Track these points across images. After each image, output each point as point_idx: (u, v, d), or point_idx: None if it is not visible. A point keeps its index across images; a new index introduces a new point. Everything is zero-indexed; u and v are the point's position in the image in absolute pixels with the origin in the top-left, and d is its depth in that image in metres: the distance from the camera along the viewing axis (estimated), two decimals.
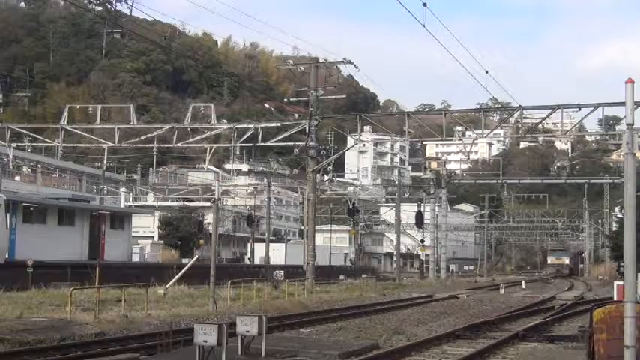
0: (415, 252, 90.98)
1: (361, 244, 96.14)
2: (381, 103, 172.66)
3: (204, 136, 46.70)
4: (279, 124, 46.43)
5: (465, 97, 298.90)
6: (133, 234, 52.26)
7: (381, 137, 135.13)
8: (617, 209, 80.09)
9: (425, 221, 66.76)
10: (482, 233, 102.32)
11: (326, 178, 65.19)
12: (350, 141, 68.40)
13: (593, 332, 10.45)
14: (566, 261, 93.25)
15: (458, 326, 19.61)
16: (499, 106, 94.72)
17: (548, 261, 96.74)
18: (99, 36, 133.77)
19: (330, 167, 49.06)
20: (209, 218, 60.11)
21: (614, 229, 72.85)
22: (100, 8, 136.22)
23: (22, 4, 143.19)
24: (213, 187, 71.13)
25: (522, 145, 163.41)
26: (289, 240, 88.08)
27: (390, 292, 39.22)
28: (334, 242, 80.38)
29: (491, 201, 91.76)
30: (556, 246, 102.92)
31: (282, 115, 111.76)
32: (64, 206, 42.55)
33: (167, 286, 30.01)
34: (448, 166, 79.60)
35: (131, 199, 78.13)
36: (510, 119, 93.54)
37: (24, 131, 52.40)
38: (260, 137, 43.17)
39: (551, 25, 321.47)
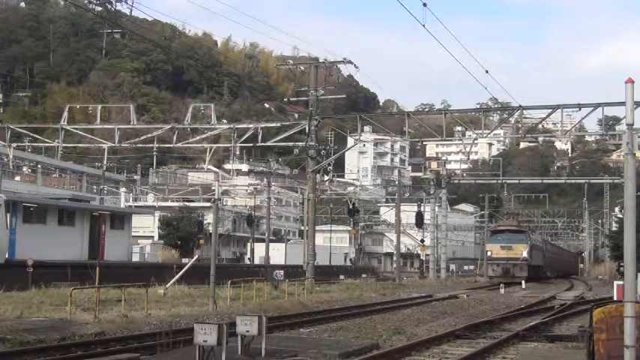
0: (415, 252, 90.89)
1: (361, 244, 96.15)
2: (381, 103, 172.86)
3: (204, 136, 46.73)
4: (279, 124, 46.44)
5: (465, 97, 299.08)
6: (133, 234, 52.27)
7: (381, 137, 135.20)
8: (617, 209, 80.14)
9: (425, 221, 66.75)
10: (483, 233, 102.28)
11: (326, 178, 65.06)
12: (350, 141, 68.39)
13: (593, 332, 10.45)
14: (524, 253, 55.32)
15: (458, 326, 19.59)
16: (499, 106, 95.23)
17: (489, 252, 58.76)
18: (99, 36, 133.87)
19: (330, 167, 49.01)
20: (209, 218, 60.11)
21: (614, 229, 72.86)
22: (100, 8, 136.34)
23: (22, 4, 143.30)
24: (213, 187, 71.13)
25: (522, 145, 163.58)
26: (289, 240, 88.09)
27: (390, 292, 39.19)
28: (334, 242, 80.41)
29: (491, 201, 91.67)
30: (504, 224, 64.05)
31: (282, 115, 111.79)
32: (64, 206, 42.56)
33: (167, 286, 30.02)
34: (448, 166, 79.53)
35: (131, 199, 78.18)
36: (510, 119, 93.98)
37: (24, 131, 52.43)
38: (260, 137, 43.18)
39: (551, 25, 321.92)
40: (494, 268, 57.10)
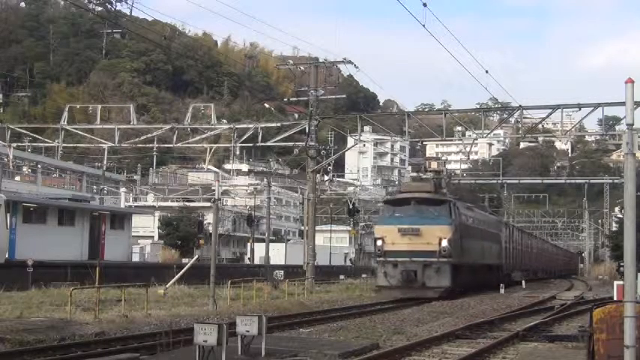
0: None
1: (361, 244, 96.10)
2: (381, 103, 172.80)
3: (204, 136, 46.69)
4: (279, 124, 46.40)
5: (465, 97, 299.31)
6: (133, 234, 52.29)
7: (381, 137, 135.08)
8: (617, 209, 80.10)
9: None
10: None
11: (326, 178, 65.09)
12: (350, 141, 68.35)
13: (593, 332, 10.45)
14: (443, 241, 31.33)
15: (458, 326, 19.58)
16: (499, 106, 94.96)
17: (379, 241, 32.63)
18: (99, 36, 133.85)
19: (330, 167, 49.06)
20: (209, 218, 60.08)
21: (614, 229, 72.83)
22: (100, 8, 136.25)
23: (22, 4, 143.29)
24: (213, 187, 71.08)
25: (522, 145, 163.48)
26: (289, 240, 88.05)
27: None
28: (334, 242, 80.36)
29: (491, 201, 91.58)
30: (408, 189, 35.76)
31: (282, 115, 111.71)
32: (64, 206, 42.57)
33: (167, 286, 30.01)
34: (448, 166, 79.40)
35: (131, 199, 78.12)
36: (510, 119, 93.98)
37: (24, 131, 52.38)
38: (260, 137, 43.15)
39: (551, 25, 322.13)
40: (389, 270, 31.99)
